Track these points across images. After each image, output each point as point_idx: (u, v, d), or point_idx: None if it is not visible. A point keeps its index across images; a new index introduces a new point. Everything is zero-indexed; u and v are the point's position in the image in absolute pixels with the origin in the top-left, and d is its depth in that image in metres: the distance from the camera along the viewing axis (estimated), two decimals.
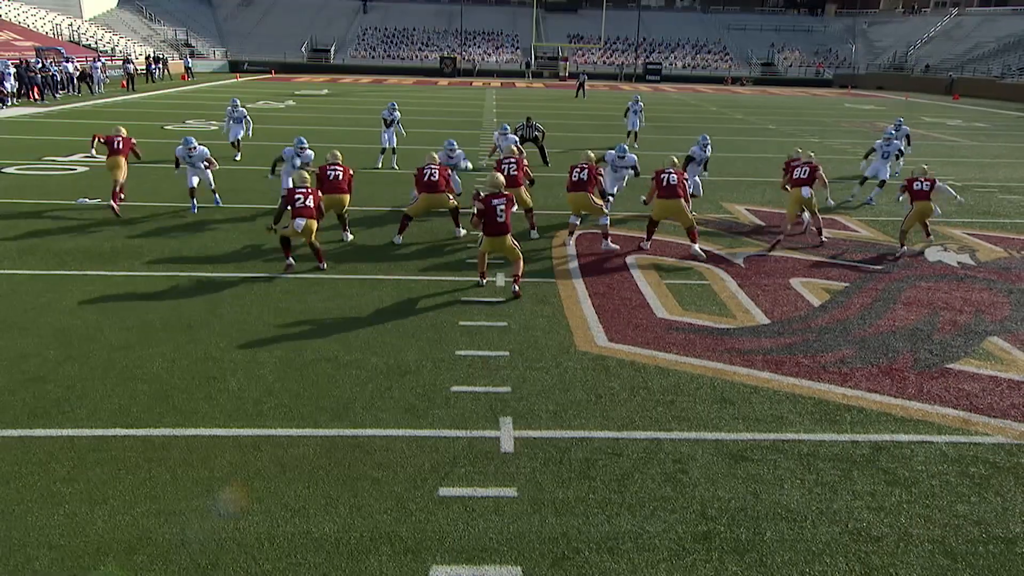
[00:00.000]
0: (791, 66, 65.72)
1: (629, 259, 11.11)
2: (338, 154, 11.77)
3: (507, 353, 7.58)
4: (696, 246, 11.18)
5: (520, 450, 5.85)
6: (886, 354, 7.91)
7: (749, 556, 4.73)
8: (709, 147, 14.77)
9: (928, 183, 11.46)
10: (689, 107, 36.78)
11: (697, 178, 14.52)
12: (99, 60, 39.31)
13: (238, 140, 18.83)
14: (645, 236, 11.78)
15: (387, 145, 18.56)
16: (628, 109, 23.30)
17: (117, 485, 5.22)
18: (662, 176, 11.10)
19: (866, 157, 16.48)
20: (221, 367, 7.10)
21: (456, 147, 13.13)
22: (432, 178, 11.26)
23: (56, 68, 33.73)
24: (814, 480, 5.58)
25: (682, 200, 10.96)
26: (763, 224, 13.57)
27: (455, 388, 6.81)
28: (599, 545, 4.80)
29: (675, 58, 66.35)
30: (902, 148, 17.97)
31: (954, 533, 5.01)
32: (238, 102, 19.06)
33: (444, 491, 5.28)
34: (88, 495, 5.10)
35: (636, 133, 23.22)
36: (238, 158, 18.62)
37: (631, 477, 5.56)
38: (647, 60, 64.03)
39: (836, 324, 8.74)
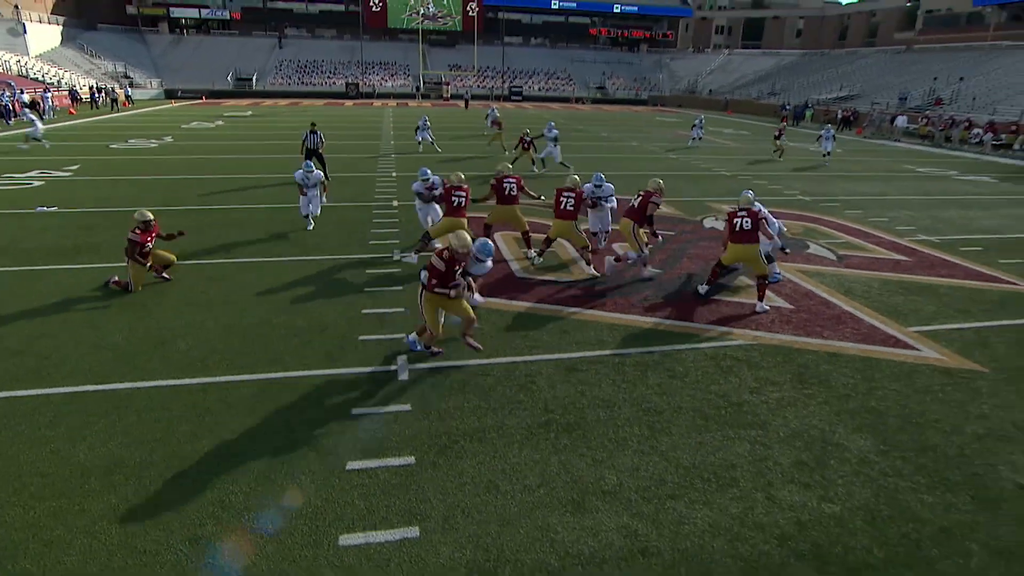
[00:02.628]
0: (618, 89, 67.84)
1: (496, 234, 11.24)
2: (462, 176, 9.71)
3: (403, 309, 7.77)
4: (761, 303, 8.07)
5: (413, 378, 6.13)
6: (675, 292, 8.71)
7: (576, 432, 5.28)
8: (555, 131, 18.03)
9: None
10: (544, 120, 37.49)
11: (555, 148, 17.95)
12: (48, 91, 35.58)
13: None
14: (708, 280, 8.52)
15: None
16: (543, 135, 18.88)
17: (92, 427, 5.16)
18: (736, 220, 7.91)
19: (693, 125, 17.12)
20: (173, 334, 6.96)
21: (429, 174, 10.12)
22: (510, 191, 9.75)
23: (8, 98, 30.28)
24: (622, 379, 6.20)
25: (758, 247, 7.89)
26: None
27: (363, 337, 6.97)
28: (471, 436, 5.20)
29: (532, 83, 66.96)
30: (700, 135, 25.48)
31: (708, 403, 5.77)
32: None
33: (356, 410, 5.51)
34: (69, 436, 5.03)
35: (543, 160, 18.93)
36: None
37: (495, 389, 5.97)
38: (511, 84, 64.39)
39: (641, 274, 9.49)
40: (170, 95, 53.92)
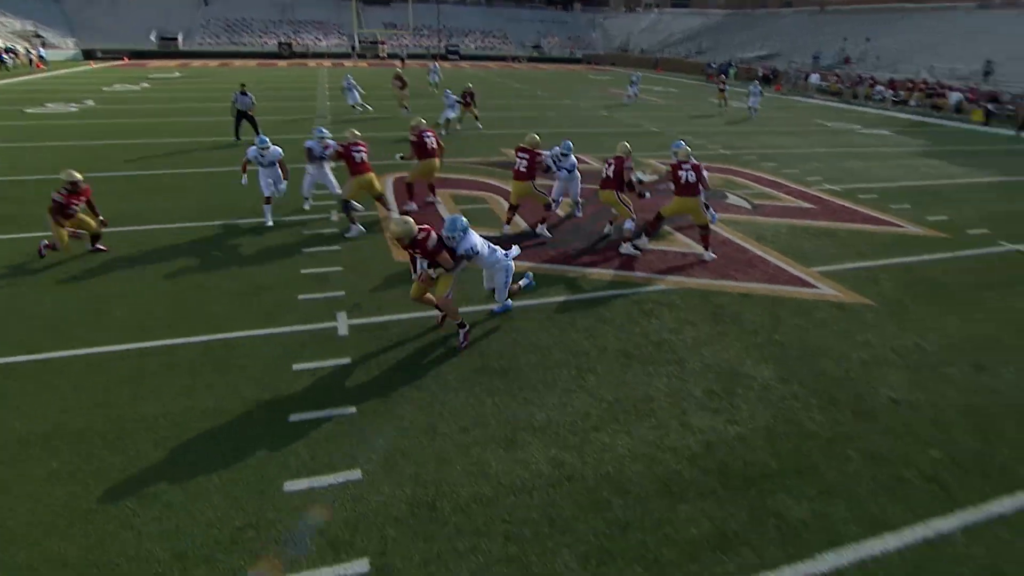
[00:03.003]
0: (553, 48, 66.81)
1: (431, 198, 11.12)
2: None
3: (341, 268, 7.68)
4: (708, 252, 8.31)
5: (352, 333, 6.13)
6: (603, 243, 8.91)
7: (509, 376, 5.44)
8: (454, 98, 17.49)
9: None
10: (480, 78, 36.69)
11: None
12: None
13: None
14: (647, 231, 8.66)
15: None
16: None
17: (28, 397, 4.98)
18: (680, 173, 8.06)
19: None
20: (107, 302, 6.67)
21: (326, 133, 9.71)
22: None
23: None
24: (553, 326, 6.38)
25: (699, 198, 8.08)
26: None
27: (302, 296, 6.87)
28: (409, 384, 5.29)
29: (469, 41, 65.06)
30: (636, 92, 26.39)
31: (631, 344, 6.04)
32: None
33: (297, 366, 5.49)
34: (4, 404, 4.85)
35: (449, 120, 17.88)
36: None
37: (432, 340, 6.05)
38: (448, 43, 62.38)
39: (573, 227, 9.65)
40: (88, 56, 49.46)
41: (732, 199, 11.49)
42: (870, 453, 4.50)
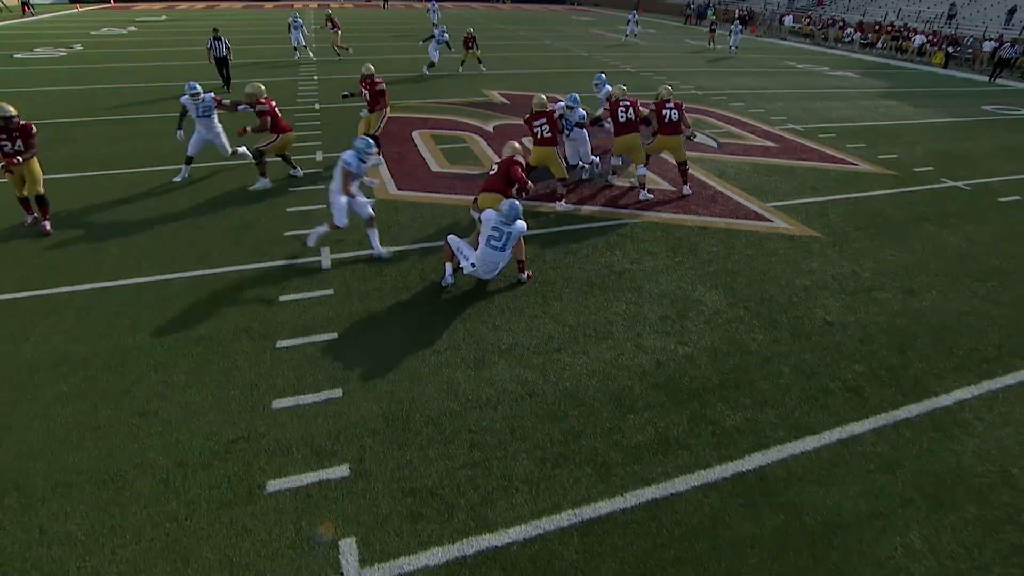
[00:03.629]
0: None
1: (414, 133, 10.92)
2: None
3: (324, 205, 7.55)
4: (686, 187, 8.29)
5: (335, 267, 6.15)
6: (575, 179, 8.85)
7: (480, 303, 5.54)
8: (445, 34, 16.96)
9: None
10: (464, 19, 35.00)
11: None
12: None
13: None
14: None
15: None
16: (432, 37, 17.31)
17: (34, 328, 5.01)
18: (664, 111, 7.93)
19: None
20: (101, 241, 6.59)
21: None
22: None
23: None
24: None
25: (680, 136, 8.06)
26: (509, 103, 13.77)
27: (288, 233, 6.83)
28: (388, 312, 5.37)
29: None
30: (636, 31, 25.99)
31: (595, 273, 6.14)
32: None
33: (283, 297, 5.54)
34: (12, 337, 4.88)
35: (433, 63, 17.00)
36: None
37: (411, 272, 6.10)
38: None
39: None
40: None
41: (700, 138, 11.31)
42: (801, 368, 4.71)
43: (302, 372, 4.53)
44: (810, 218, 7.69)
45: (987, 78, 20.91)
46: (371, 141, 6.10)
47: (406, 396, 4.31)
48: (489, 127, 11.52)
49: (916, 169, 9.92)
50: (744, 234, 7.16)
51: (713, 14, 37.43)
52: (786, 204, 8.15)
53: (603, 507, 3.43)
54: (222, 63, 13.85)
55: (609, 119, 8.24)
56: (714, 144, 10.96)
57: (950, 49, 23.30)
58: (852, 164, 10.07)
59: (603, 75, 8.88)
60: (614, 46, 25.28)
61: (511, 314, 5.37)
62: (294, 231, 6.85)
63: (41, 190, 6.68)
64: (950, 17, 27.34)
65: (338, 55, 19.32)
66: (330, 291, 5.68)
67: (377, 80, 9.57)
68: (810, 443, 3.96)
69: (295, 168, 8.64)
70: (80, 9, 39.73)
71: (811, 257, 6.62)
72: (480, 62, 17.84)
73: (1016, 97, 17.42)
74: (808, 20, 32.72)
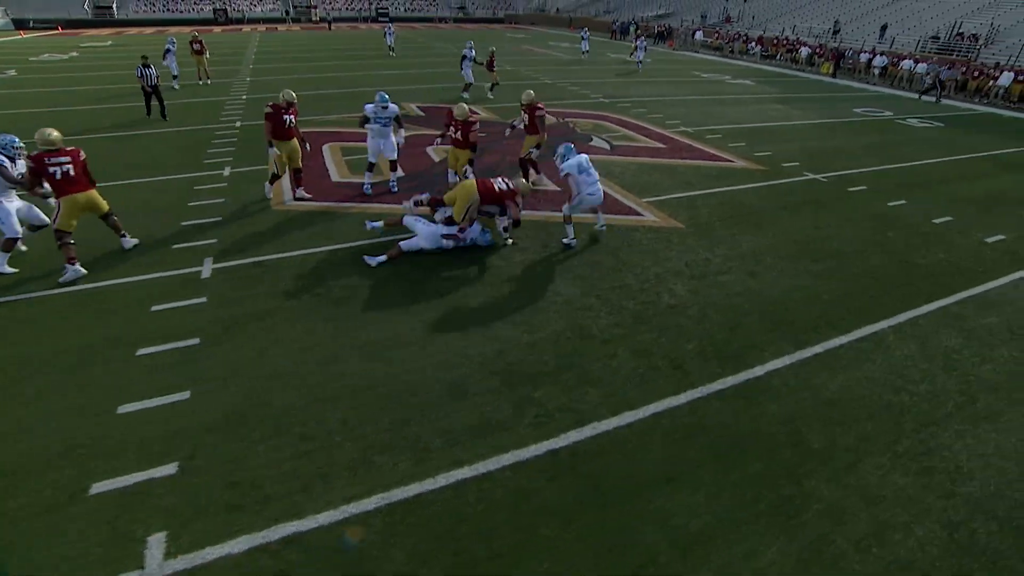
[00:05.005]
0: (477, 8, 63.45)
1: (324, 146, 10.63)
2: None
3: (220, 217, 7.29)
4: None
5: (214, 276, 5.89)
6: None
7: (347, 304, 5.39)
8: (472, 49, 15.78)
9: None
10: (407, 39, 34.50)
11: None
12: None
13: None
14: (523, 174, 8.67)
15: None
16: (463, 57, 15.83)
17: None
18: (538, 114, 8.35)
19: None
20: None
21: None
22: None
23: None
24: (399, 260, 6.31)
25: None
26: (424, 115, 13.61)
27: (175, 246, 6.51)
28: (254, 317, 5.17)
29: (399, 3, 60.90)
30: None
31: (461, 270, 6.06)
32: None
33: (156, 307, 5.27)
34: None
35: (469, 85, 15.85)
36: None
37: (284, 278, 5.87)
38: (378, 5, 58.15)
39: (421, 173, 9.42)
40: (20, 25, 43.30)
41: (596, 141, 11.50)
42: (636, 350, 4.77)
43: (155, 378, 4.30)
44: (679, 211, 7.86)
45: (865, 85, 21.99)
46: None
47: (252, 395, 4.14)
48: (399, 138, 11.30)
49: (784, 164, 10.30)
50: (615, 228, 7.25)
51: (636, 30, 38.26)
52: (660, 199, 8.32)
53: (413, 489, 3.36)
54: (152, 91, 12.30)
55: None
56: (607, 147, 11.12)
57: (840, 61, 24.34)
58: (729, 161, 10.37)
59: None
60: (536, 60, 25.44)
61: (376, 313, 5.25)
62: (183, 243, 6.55)
63: None
64: (835, 32, 28.66)
65: (204, 81, 17.49)
66: (204, 299, 5.44)
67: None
68: (627, 418, 4.00)
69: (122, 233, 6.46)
70: (24, 36, 37.28)
71: (670, 247, 6.75)
72: (496, 84, 16.32)
73: (884, 101, 18.37)
74: (717, 35, 33.74)
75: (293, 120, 7.53)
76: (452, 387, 4.26)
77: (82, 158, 5.85)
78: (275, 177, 7.94)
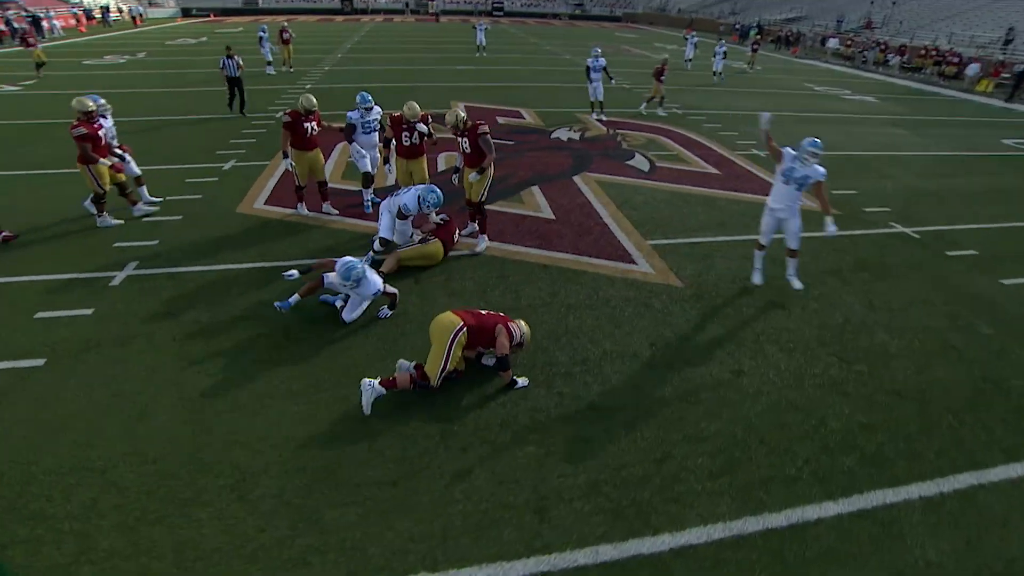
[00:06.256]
0: (595, 6, 61.19)
1: (339, 146, 9.95)
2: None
3: (181, 216, 6.84)
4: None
5: (123, 284, 5.34)
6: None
7: (213, 341, 4.54)
8: (600, 59, 12.33)
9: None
10: (508, 33, 33.78)
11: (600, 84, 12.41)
12: (51, 10, 31.51)
13: None
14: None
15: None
16: (589, 69, 12.42)
17: None
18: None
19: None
20: None
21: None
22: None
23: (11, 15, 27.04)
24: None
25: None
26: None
27: (115, 244, 6.09)
28: (115, 344, 4.48)
29: None
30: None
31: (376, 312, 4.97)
32: None
33: (40, 314, 4.80)
34: None
35: (601, 103, 12.69)
36: None
37: (186, 297, 5.18)
38: (494, 0, 58.06)
39: None
40: (186, 13, 48.68)
41: (636, 160, 9.79)
42: (490, 480, 3.40)
43: None
44: (687, 263, 6.13)
45: None
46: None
47: (21, 450, 3.40)
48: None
49: (867, 209, 7.97)
50: (588, 277, 5.75)
51: (757, 34, 34.43)
52: (672, 243, 6.60)
53: None
54: (234, 82, 11.94)
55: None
56: (646, 168, 9.41)
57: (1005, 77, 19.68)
58: None
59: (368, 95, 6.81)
60: (626, 62, 23.38)
61: (241, 361, 4.33)
62: (125, 242, 6.13)
63: None
64: (1007, 42, 23.37)
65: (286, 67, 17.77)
66: (90, 311, 4.87)
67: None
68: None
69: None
70: (180, 22, 41.67)
71: (644, 314, 5.13)
72: (658, 100, 13.58)
73: None
74: (850, 43, 29.21)
75: (315, 128, 6.61)
76: (238, 482, 3.22)
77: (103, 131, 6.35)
78: (301, 190, 6.88)
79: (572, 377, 4.24)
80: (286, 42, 17.93)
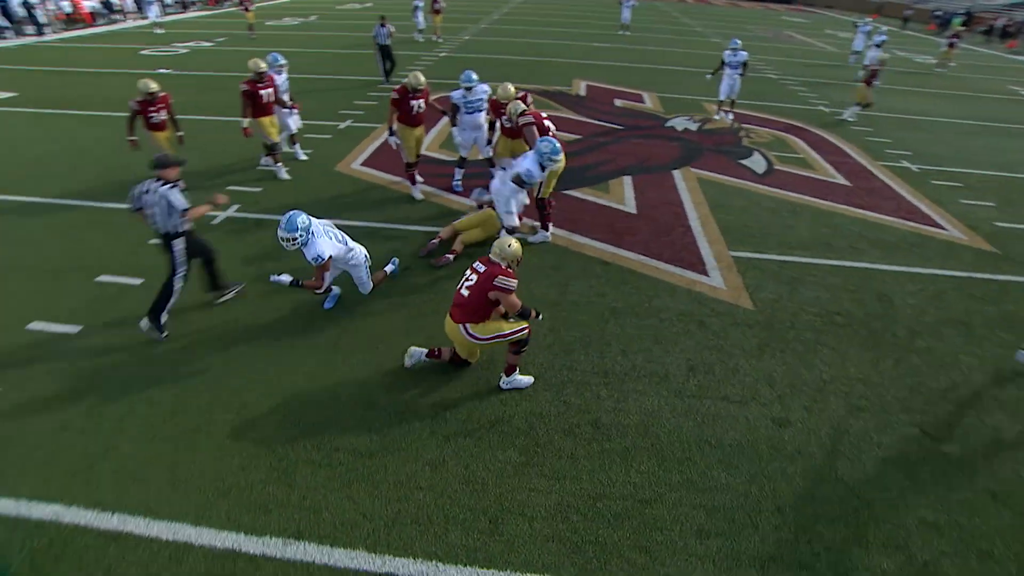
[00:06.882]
0: None
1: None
2: None
3: (289, 178, 7.26)
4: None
5: (222, 223, 5.93)
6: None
7: (154, 360, 4.86)
8: (741, 52, 10.23)
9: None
10: (657, 10, 31.59)
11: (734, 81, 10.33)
12: None
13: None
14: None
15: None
16: (723, 63, 10.47)
17: None
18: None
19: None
20: None
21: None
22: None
23: None
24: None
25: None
26: (583, 96, 12.02)
27: (229, 188, 6.78)
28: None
29: None
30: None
31: (399, 304, 4.99)
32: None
33: (31, 326, 5.36)
34: None
35: (733, 100, 10.66)
36: None
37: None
38: None
39: None
40: None
41: (752, 159, 8.68)
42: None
43: None
44: (768, 284, 5.31)
45: None
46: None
47: None
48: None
49: None
50: (648, 281, 5.23)
51: (962, 24, 28.63)
52: (758, 257, 5.77)
53: None
54: (385, 50, 12.14)
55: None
56: (760, 170, 8.34)
57: None
58: (933, 225, 6.75)
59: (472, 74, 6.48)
60: (782, 50, 20.70)
61: (174, 365, 4.09)
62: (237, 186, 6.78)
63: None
64: None
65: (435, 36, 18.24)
66: (78, 328, 4.32)
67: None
68: None
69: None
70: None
71: (694, 332, 4.55)
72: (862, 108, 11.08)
73: None
74: None
75: (422, 105, 6.53)
76: (240, 419, 3.44)
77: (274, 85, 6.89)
78: (411, 167, 6.74)
79: (586, 387, 3.91)
80: (437, 12, 18.46)
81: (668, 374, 4.08)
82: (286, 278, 3.99)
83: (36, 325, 4.33)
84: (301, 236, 3.81)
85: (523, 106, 5.80)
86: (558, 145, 4.95)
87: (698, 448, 3.46)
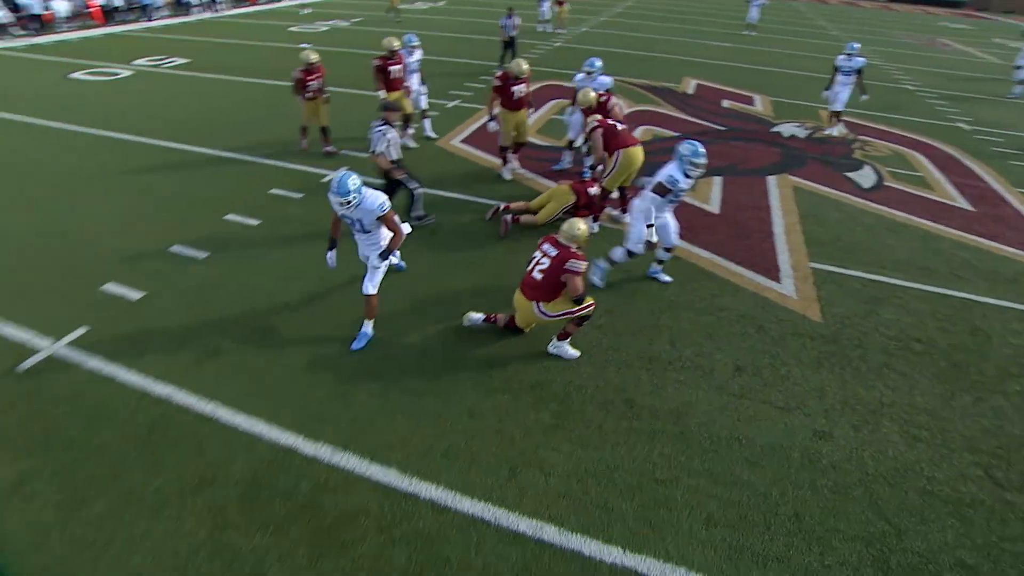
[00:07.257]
0: None
1: (514, 162, 10.23)
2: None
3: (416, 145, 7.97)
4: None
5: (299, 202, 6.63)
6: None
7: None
8: (857, 58, 9.02)
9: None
10: (794, 10, 29.16)
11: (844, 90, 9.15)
12: None
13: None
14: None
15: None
16: (836, 69, 9.15)
17: None
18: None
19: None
20: None
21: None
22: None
23: None
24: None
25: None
26: (691, 95, 11.62)
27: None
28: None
29: None
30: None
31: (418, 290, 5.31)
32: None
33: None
34: None
35: (839, 114, 9.42)
36: None
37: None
38: None
39: None
40: None
41: (861, 173, 8.00)
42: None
43: None
44: (843, 299, 5.00)
45: None
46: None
47: None
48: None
49: None
50: (715, 281, 5.14)
51: None
52: (840, 272, 5.41)
53: None
54: (509, 43, 12.20)
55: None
56: (867, 185, 7.73)
57: None
58: None
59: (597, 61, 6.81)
60: (937, 62, 18.38)
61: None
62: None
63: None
64: None
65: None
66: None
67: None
68: None
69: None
70: None
71: (743, 334, 4.44)
72: None
73: None
74: None
75: (524, 90, 6.67)
76: (319, 340, 3.98)
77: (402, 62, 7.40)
78: (505, 150, 6.95)
79: (628, 368, 4.01)
80: (561, 3, 18.54)
81: (714, 370, 4.05)
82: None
83: (175, 248, 5.21)
84: (354, 197, 3.73)
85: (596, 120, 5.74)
86: (701, 149, 4.48)
87: (726, 443, 3.45)
